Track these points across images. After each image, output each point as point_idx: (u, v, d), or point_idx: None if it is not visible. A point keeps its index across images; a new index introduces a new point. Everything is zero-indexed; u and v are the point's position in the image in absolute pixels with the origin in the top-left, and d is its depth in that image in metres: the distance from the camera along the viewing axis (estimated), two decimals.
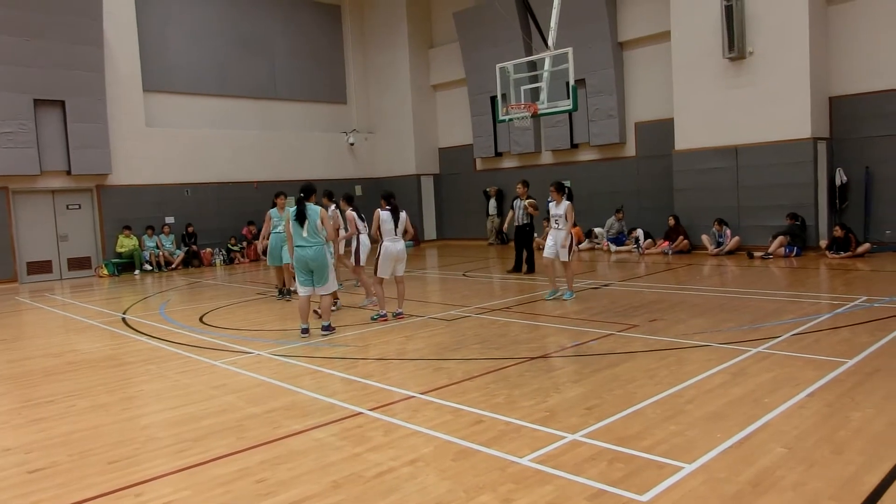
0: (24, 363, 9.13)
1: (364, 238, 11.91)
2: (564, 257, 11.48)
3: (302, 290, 9.58)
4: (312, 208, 9.50)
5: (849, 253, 15.01)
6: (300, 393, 6.78)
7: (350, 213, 11.98)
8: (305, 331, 9.60)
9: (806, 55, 15.96)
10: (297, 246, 9.39)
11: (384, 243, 10.54)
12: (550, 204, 11.65)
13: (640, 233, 19.05)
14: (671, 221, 18.36)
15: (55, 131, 19.86)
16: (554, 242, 11.54)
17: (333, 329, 9.80)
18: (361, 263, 11.96)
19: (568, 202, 11.42)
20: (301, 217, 9.38)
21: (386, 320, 10.43)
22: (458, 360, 7.83)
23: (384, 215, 10.54)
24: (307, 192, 9.64)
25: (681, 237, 17.88)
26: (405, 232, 10.64)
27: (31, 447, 5.68)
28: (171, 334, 10.44)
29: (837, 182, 16.60)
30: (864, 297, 10.18)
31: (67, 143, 19.96)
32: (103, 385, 7.62)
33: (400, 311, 10.87)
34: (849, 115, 16.57)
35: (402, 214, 10.61)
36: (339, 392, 6.78)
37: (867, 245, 15.35)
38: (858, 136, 16.47)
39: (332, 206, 12.12)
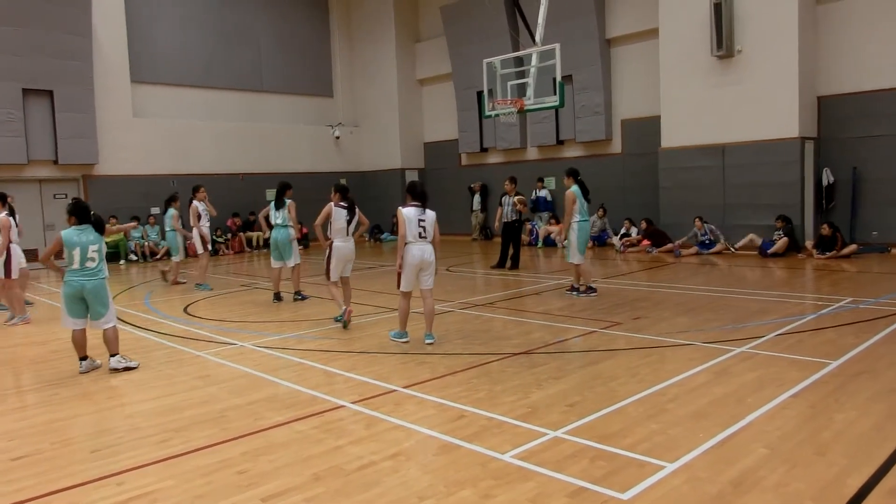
0: (8, 351, 9.09)
1: (16, 248, 11.08)
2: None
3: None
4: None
5: (834, 252, 15.00)
6: (282, 385, 6.76)
7: (4, 217, 10.87)
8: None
9: (794, 54, 15.95)
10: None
11: (335, 243, 9.59)
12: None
13: (633, 230, 19.02)
14: (643, 225, 18.45)
15: (43, 120, 19.77)
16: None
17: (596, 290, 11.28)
18: (13, 276, 10.99)
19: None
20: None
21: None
22: (440, 354, 7.82)
23: (338, 212, 9.58)
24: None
25: (667, 243, 17.77)
26: (357, 228, 9.79)
27: (13, 435, 5.66)
28: (156, 324, 10.39)
29: (824, 182, 16.61)
30: (850, 299, 10.20)
31: (55, 133, 19.87)
32: (87, 374, 7.59)
33: (346, 308, 10.08)
34: (837, 115, 16.57)
35: (357, 211, 9.76)
36: (321, 385, 6.76)
37: (853, 246, 15.33)
38: (846, 136, 16.46)
39: (4, 213, 11.05)
